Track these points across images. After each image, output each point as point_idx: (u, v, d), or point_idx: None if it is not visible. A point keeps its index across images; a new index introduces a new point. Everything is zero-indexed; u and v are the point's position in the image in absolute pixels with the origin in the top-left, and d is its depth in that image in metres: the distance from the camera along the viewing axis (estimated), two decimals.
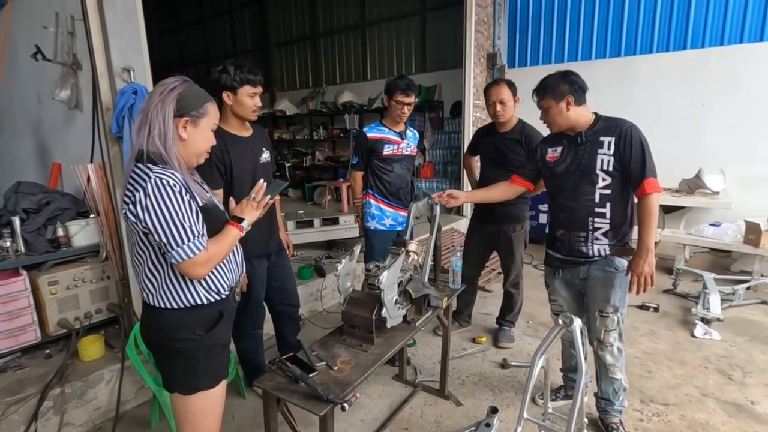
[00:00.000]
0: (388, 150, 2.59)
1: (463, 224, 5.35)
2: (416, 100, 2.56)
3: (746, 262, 4.13)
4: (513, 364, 2.61)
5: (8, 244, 2.18)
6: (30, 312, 2.20)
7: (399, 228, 2.68)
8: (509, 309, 2.98)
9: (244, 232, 1.34)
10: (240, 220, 1.33)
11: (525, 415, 1.61)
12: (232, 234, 1.31)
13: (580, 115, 1.86)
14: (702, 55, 4.73)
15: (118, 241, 2.36)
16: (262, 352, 2.36)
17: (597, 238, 1.88)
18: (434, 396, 2.35)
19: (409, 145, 2.67)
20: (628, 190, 1.86)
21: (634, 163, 1.76)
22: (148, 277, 1.26)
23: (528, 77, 6.07)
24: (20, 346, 2.20)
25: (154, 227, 1.14)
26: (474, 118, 5.52)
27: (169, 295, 1.26)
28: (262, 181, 1.39)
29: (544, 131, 2.67)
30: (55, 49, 2.37)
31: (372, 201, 2.66)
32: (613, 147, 1.79)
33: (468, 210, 5.55)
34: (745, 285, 3.44)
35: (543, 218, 5.29)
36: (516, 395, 2.34)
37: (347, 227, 4.26)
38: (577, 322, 1.58)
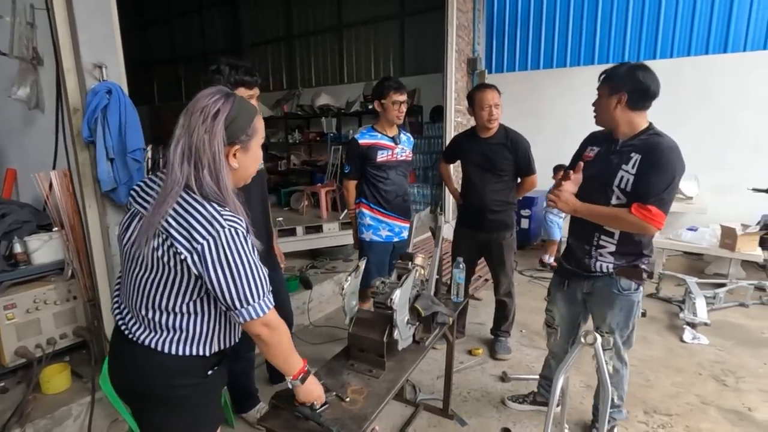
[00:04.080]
0: (382, 156, 2.47)
1: (445, 230, 5.28)
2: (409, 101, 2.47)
3: (719, 265, 4.29)
4: (513, 377, 2.53)
5: None
6: None
7: (396, 239, 2.56)
8: (504, 318, 2.92)
9: (291, 382, 1.21)
10: (305, 378, 1.21)
11: None
12: (294, 361, 1.19)
13: (627, 121, 1.65)
14: (674, 65, 4.90)
15: (86, 257, 2.12)
16: (254, 376, 2.17)
17: (602, 255, 1.77)
18: (437, 416, 2.23)
19: (404, 150, 2.56)
20: None
21: (640, 179, 1.58)
22: (166, 317, 1.05)
23: (506, 83, 6.11)
24: None
25: (226, 284, 0.98)
26: (455, 123, 5.49)
27: (188, 343, 1.07)
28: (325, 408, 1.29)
29: (527, 134, 2.68)
30: (11, 41, 2.10)
31: (366, 211, 2.53)
32: (637, 166, 1.60)
33: (450, 215, 5.50)
34: (725, 289, 3.54)
35: (525, 223, 5.32)
36: (521, 411, 2.25)
37: (331, 235, 4.10)
38: (599, 341, 1.52)
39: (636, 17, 5.13)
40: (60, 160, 2.15)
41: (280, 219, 4.46)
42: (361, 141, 2.45)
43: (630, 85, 1.61)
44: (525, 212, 5.23)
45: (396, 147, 2.50)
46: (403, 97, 2.39)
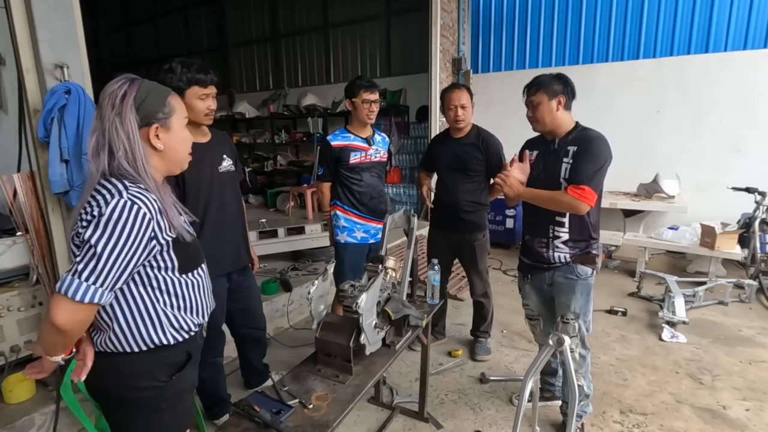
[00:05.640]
0: (354, 158, 2.44)
1: (426, 231, 5.26)
2: (381, 99, 2.45)
3: (701, 263, 4.32)
4: (492, 378, 2.52)
5: None
6: None
7: (371, 240, 2.53)
8: (482, 319, 2.90)
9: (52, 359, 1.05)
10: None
11: None
12: (52, 339, 0.99)
13: (564, 120, 1.85)
14: (655, 65, 4.93)
15: (51, 262, 2.06)
16: (224, 382, 2.13)
17: (557, 246, 1.90)
18: (413, 419, 2.21)
19: (378, 151, 2.53)
20: None
21: (574, 166, 1.76)
22: (103, 310, 1.04)
23: (491, 83, 6.09)
24: None
25: (88, 244, 0.92)
26: (440, 123, 5.47)
27: (128, 335, 1.05)
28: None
29: (501, 136, 2.68)
30: None
31: (340, 213, 2.50)
32: (572, 155, 1.79)
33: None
34: (704, 287, 3.56)
35: (510, 223, 5.32)
36: (497, 413, 2.25)
37: (314, 236, 4.06)
38: (567, 342, 1.51)
39: (619, 17, 5.16)
40: (25, 162, 2.10)
41: (263, 221, 4.41)
42: (333, 143, 2.42)
43: (563, 88, 1.82)
44: (510, 212, 5.23)
45: (369, 148, 2.47)
46: (374, 96, 2.36)
